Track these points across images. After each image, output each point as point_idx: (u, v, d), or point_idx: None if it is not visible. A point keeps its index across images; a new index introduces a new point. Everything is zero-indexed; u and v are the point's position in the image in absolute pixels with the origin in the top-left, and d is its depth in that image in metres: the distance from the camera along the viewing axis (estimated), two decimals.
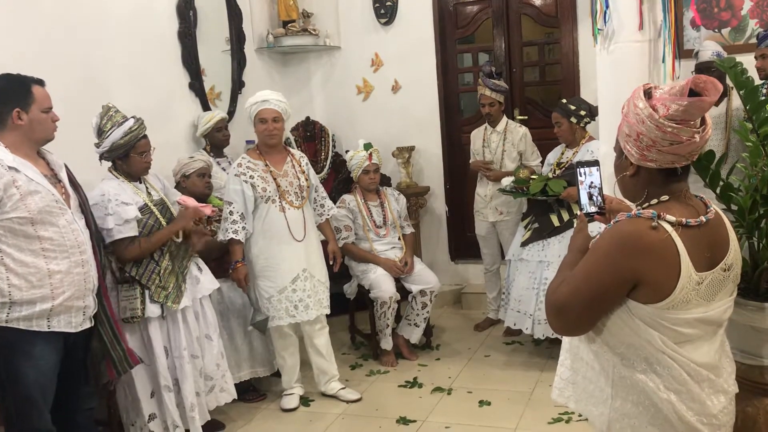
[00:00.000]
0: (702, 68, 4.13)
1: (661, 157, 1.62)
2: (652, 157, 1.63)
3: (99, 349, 2.86)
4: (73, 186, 2.77)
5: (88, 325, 2.75)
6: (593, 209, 1.82)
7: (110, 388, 3.08)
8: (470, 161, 4.92)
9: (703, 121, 1.62)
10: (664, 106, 1.58)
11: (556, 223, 4.13)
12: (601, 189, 1.83)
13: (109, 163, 3.29)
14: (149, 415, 3.28)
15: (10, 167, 2.50)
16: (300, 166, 3.89)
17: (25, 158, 2.58)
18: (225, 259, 3.87)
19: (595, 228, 1.80)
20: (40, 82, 2.66)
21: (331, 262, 4.10)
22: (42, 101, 2.63)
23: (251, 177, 3.70)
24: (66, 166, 2.80)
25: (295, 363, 3.92)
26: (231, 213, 3.68)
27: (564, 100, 4.28)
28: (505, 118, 4.79)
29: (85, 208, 2.81)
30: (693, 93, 1.59)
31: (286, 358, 3.88)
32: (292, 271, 3.77)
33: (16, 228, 2.50)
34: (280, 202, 3.73)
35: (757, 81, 3.85)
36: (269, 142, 3.79)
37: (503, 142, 4.72)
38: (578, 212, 1.86)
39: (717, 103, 4.11)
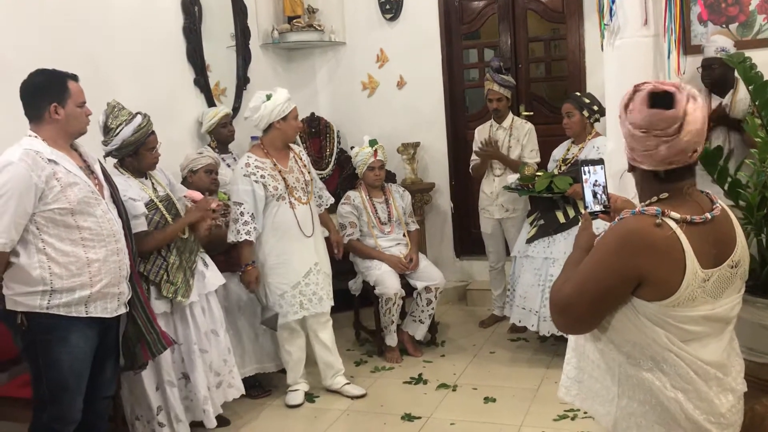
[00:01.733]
0: (705, 65, 4.11)
1: (645, 160, 1.62)
2: (638, 159, 1.64)
3: (134, 332, 2.93)
4: (105, 177, 2.85)
5: (123, 310, 2.83)
6: (597, 208, 1.81)
7: (143, 370, 3.12)
8: (473, 165, 4.85)
9: (679, 130, 1.57)
10: (634, 113, 1.59)
11: (561, 219, 4.11)
12: (605, 187, 1.82)
13: (114, 159, 3.29)
14: (157, 407, 3.29)
15: (49, 160, 2.57)
16: (302, 160, 3.89)
17: (61, 151, 2.65)
18: (231, 255, 3.87)
19: (601, 225, 1.79)
20: (75, 78, 2.71)
21: (335, 252, 4.12)
22: (77, 96, 2.69)
23: (262, 176, 3.66)
24: (99, 160, 2.87)
25: (301, 358, 3.91)
26: (242, 214, 3.63)
27: (578, 93, 4.26)
28: (510, 114, 4.77)
29: (116, 198, 2.87)
30: (669, 100, 1.57)
31: (292, 353, 3.87)
32: (304, 266, 3.76)
33: (57, 218, 2.58)
34: (289, 199, 3.72)
35: None
36: (293, 140, 3.82)
37: (509, 138, 4.70)
38: (583, 209, 1.85)
39: (722, 96, 4.08)
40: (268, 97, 3.67)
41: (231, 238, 3.64)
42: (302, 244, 3.75)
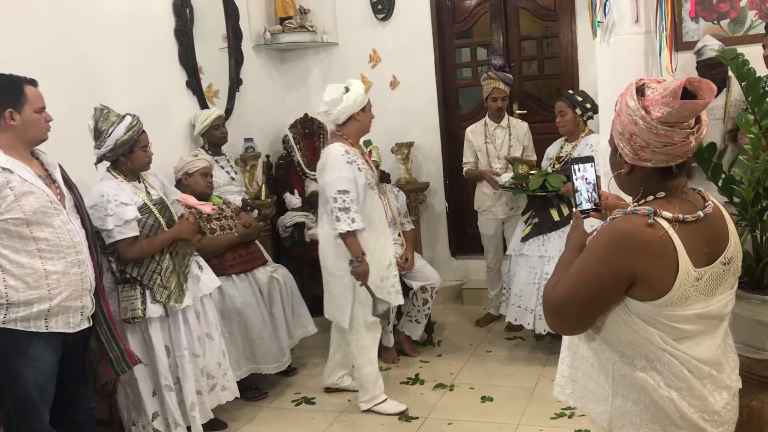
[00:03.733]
0: (708, 66, 4.08)
1: (656, 157, 1.59)
2: (647, 156, 1.60)
3: (97, 349, 2.86)
4: (67, 186, 2.76)
5: (86, 325, 2.75)
6: (589, 206, 1.80)
7: (108, 388, 3.08)
8: (469, 168, 4.81)
9: (698, 121, 1.59)
10: (657, 108, 1.55)
11: (556, 217, 4.11)
12: (597, 185, 1.81)
13: (107, 163, 3.27)
14: (152, 414, 3.28)
15: (3, 168, 2.50)
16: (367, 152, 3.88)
17: (18, 159, 2.57)
18: (225, 257, 3.86)
19: (596, 223, 1.78)
20: (33, 82, 2.64)
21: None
22: (34, 101, 2.61)
23: (360, 164, 3.55)
24: (60, 166, 2.78)
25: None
26: (352, 202, 3.46)
27: (570, 91, 4.26)
28: (505, 113, 4.77)
29: (80, 208, 2.80)
30: (687, 93, 1.56)
31: (374, 360, 3.73)
32: (389, 257, 3.73)
33: (11, 229, 2.50)
34: (376, 188, 3.68)
35: (764, 71, 3.83)
36: (368, 131, 3.75)
37: (509, 137, 4.68)
38: (575, 208, 1.84)
39: (717, 94, 4.08)
40: (347, 89, 3.58)
41: (345, 228, 3.43)
42: (387, 234, 3.75)
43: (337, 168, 3.49)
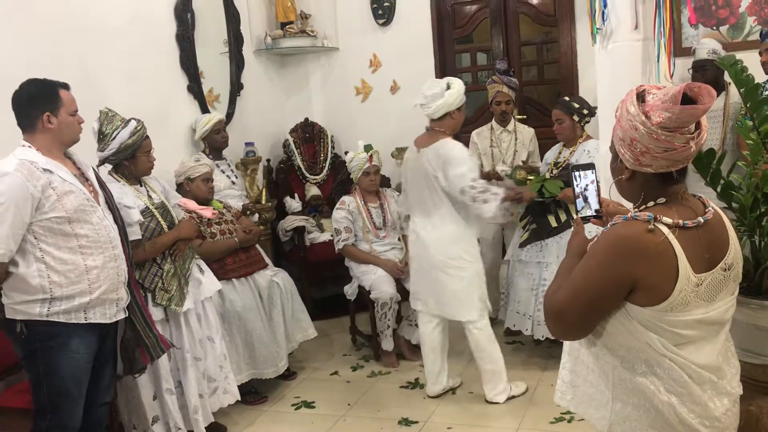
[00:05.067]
0: (697, 67, 4.13)
1: (656, 162, 1.60)
2: (647, 162, 1.61)
3: (132, 337, 2.94)
4: (99, 184, 2.85)
5: (121, 315, 2.84)
6: (589, 212, 1.82)
7: (141, 374, 3.12)
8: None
9: (698, 126, 1.60)
10: (657, 113, 1.56)
11: (553, 223, 4.11)
12: (598, 192, 1.82)
13: (109, 167, 3.29)
14: (152, 418, 3.28)
15: (45, 169, 2.58)
16: None
17: (56, 160, 2.66)
18: (225, 261, 3.87)
19: (593, 229, 1.79)
20: (66, 86, 2.72)
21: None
22: (69, 104, 2.69)
23: None
24: (92, 167, 2.88)
25: None
26: (483, 183, 3.56)
27: (566, 98, 4.26)
28: (512, 117, 4.77)
29: (112, 204, 2.88)
30: (687, 98, 1.57)
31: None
32: None
33: (54, 227, 2.58)
34: None
35: (763, 77, 3.86)
36: (459, 129, 3.82)
37: (515, 142, 4.69)
38: (575, 214, 1.86)
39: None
40: (449, 86, 3.59)
41: (496, 202, 3.48)
42: None
43: (462, 161, 3.55)
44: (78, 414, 2.73)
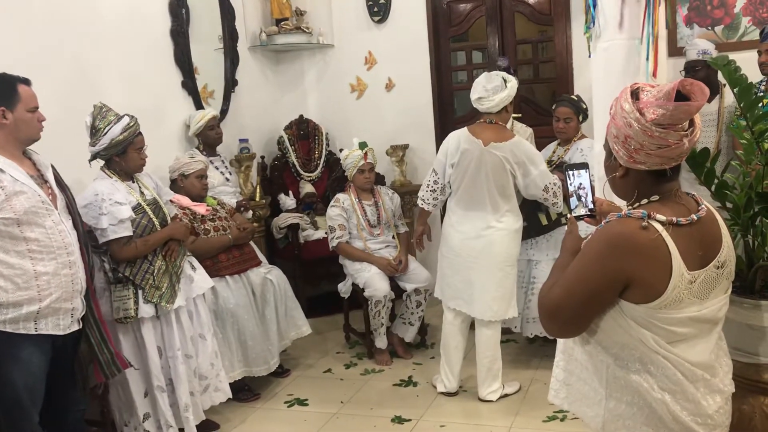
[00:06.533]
0: (688, 68, 4.14)
1: (650, 159, 1.61)
2: (641, 159, 1.62)
3: (87, 351, 2.82)
4: (59, 186, 2.74)
5: (76, 327, 2.72)
6: (583, 211, 1.82)
7: (98, 391, 3.06)
8: None
9: (692, 123, 1.61)
10: (651, 110, 1.57)
11: (544, 222, 4.11)
12: (591, 191, 1.83)
13: (101, 162, 3.27)
14: (143, 415, 3.27)
15: None
16: None
17: (10, 158, 2.55)
18: (219, 258, 3.86)
19: (591, 228, 1.79)
20: (26, 82, 2.63)
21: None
22: (28, 101, 2.59)
23: None
24: (53, 167, 2.76)
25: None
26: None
27: (574, 96, 4.25)
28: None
29: (72, 208, 2.77)
30: (681, 96, 1.58)
31: None
32: None
33: (1, 229, 2.48)
34: None
35: (760, 77, 3.87)
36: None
37: None
38: (569, 213, 1.86)
39: (709, 101, 4.11)
40: (505, 81, 3.56)
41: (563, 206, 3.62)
42: None
43: (541, 159, 3.65)
44: (34, 422, 2.62)
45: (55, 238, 2.59)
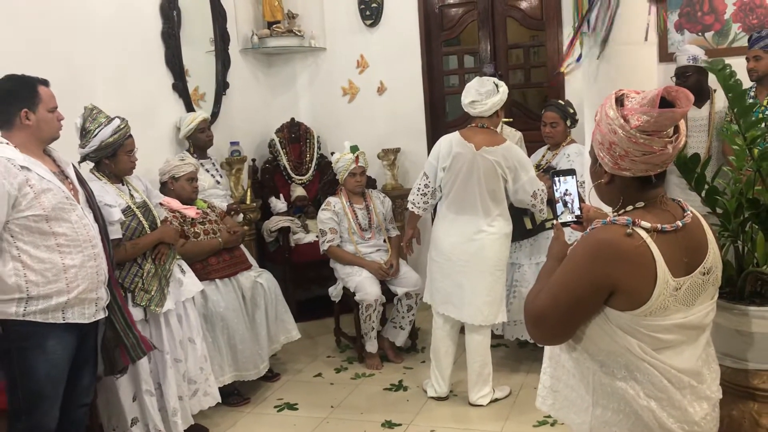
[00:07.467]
0: (679, 74, 4.16)
1: (635, 166, 1.61)
2: (626, 166, 1.62)
3: (112, 337, 2.91)
4: (79, 182, 2.81)
5: (101, 315, 2.80)
6: (569, 217, 1.82)
7: (117, 377, 3.10)
8: None
9: (677, 130, 1.61)
10: (635, 117, 1.57)
11: (528, 226, 4.11)
12: (577, 197, 1.83)
13: (90, 165, 3.26)
14: (131, 420, 3.25)
15: (22, 167, 2.53)
16: None
17: (33, 157, 2.62)
18: (209, 262, 3.84)
19: (576, 234, 1.79)
20: (45, 83, 2.69)
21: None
22: (48, 101, 2.66)
23: None
24: (72, 164, 2.83)
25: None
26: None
27: (561, 101, 4.26)
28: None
29: (92, 203, 2.85)
30: (666, 102, 1.58)
31: None
32: None
33: (31, 225, 2.54)
34: None
35: (748, 83, 3.89)
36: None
37: None
38: (555, 219, 1.86)
39: (700, 106, 4.13)
40: (497, 85, 3.57)
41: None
42: None
43: (530, 165, 3.68)
44: (54, 415, 2.69)
45: (81, 232, 2.66)
